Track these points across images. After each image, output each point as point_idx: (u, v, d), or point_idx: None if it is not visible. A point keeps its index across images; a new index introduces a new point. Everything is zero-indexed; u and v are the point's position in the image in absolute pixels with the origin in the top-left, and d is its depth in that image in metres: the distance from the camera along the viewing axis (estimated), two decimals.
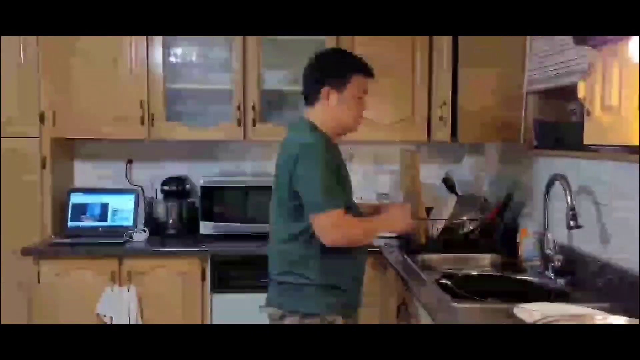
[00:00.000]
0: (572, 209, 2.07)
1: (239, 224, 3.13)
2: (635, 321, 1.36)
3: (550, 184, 2.27)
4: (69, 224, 3.17)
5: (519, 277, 2.31)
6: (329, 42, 3.10)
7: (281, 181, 1.99)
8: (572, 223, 2.07)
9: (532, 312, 1.68)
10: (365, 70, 2.06)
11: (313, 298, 1.96)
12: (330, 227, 1.89)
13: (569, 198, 2.10)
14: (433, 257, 2.60)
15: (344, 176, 2.05)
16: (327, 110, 2.03)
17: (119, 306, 2.83)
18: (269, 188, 3.12)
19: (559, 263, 2.25)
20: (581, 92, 1.57)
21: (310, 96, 2.06)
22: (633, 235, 1.95)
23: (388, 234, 2.72)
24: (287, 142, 2.05)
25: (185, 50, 3.25)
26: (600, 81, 1.51)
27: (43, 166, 3.07)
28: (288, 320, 1.97)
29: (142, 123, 3.07)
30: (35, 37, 3.00)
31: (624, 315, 1.44)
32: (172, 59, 3.21)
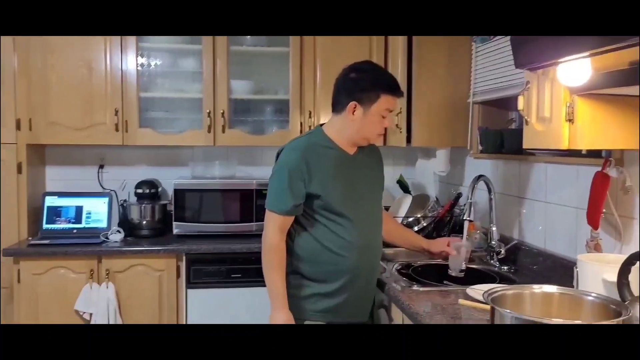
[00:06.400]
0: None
1: (209, 224, 3.31)
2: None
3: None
4: (44, 226, 3.28)
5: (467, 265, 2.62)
6: (293, 53, 3.34)
7: None
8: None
9: (482, 292, 1.97)
10: (395, 91, 2.10)
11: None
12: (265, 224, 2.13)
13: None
14: (390, 251, 2.87)
15: (322, 181, 2.09)
16: (348, 122, 2.11)
17: (97, 302, 2.97)
18: (237, 190, 3.39)
19: (503, 253, 2.58)
20: (520, 105, 1.89)
21: (337, 105, 2.14)
22: (565, 226, 2.30)
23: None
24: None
25: (158, 60, 3.43)
26: (535, 97, 1.83)
27: (19, 171, 3.19)
28: None
29: (117, 130, 3.24)
30: (12, 45, 3.12)
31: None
32: (146, 68, 3.38)
